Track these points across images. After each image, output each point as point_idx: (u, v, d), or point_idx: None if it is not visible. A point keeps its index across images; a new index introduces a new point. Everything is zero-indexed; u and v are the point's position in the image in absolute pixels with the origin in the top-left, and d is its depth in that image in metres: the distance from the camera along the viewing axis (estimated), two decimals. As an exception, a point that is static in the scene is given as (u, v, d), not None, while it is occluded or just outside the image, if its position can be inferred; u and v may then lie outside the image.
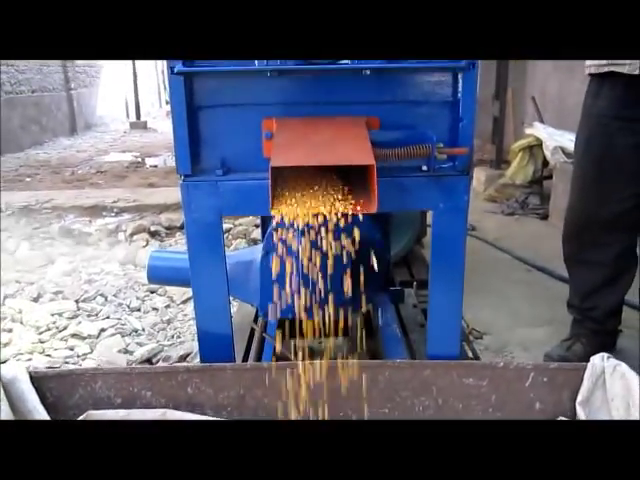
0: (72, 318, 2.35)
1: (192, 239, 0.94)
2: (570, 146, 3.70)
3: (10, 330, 2.24)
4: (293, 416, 0.92)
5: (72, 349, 2.10)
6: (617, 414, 0.95)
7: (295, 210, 0.77)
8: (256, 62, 0.83)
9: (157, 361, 2.05)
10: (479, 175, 4.63)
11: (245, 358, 1.65)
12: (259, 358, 1.32)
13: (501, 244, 3.41)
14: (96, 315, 2.40)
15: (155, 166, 6.33)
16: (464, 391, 1.01)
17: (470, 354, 1.91)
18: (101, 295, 2.60)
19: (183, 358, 2.08)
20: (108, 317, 2.38)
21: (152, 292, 2.70)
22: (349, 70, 0.83)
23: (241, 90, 0.88)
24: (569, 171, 3.56)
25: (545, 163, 4.20)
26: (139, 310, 2.51)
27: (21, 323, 2.31)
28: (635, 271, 1.94)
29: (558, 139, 3.88)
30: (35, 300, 2.54)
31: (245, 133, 0.90)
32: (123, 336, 2.23)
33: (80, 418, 0.90)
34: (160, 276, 1.90)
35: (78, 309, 2.43)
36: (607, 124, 1.70)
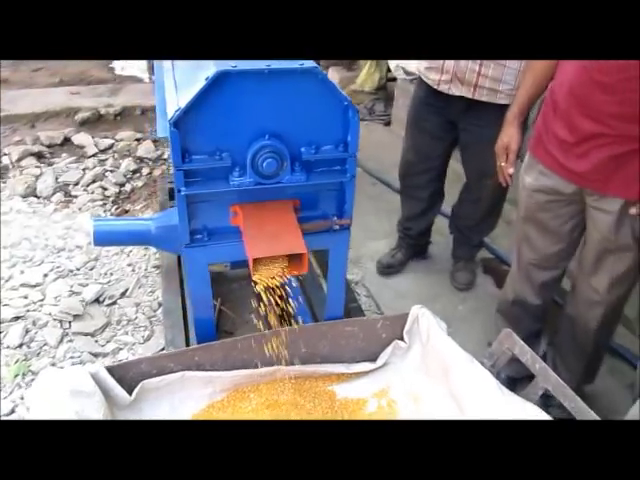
0: (12, 267, 2.72)
1: (191, 277, 1.57)
2: (408, 65, 4.41)
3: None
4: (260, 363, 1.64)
5: (26, 297, 2.55)
6: (423, 340, 1.82)
7: (268, 273, 1.42)
8: (233, 183, 1.40)
9: (103, 300, 2.60)
10: (334, 76, 5.21)
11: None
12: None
13: (354, 154, 4.16)
14: (31, 260, 2.79)
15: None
16: (345, 334, 1.82)
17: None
18: (25, 239, 2.94)
19: (123, 294, 2.65)
20: (43, 262, 2.79)
21: (67, 228, 3.09)
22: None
23: (220, 197, 1.47)
24: (408, 89, 4.34)
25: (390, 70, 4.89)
26: (64, 250, 2.92)
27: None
28: (441, 205, 2.87)
29: (399, 55, 4.54)
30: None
31: (220, 215, 1.50)
32: (64, 278, 2.70)
33: (137, 389, 1.55)
34: (107, 239, 2.32)
35: (11, 256, 2.79)
36: (423, 109, 2.51)
